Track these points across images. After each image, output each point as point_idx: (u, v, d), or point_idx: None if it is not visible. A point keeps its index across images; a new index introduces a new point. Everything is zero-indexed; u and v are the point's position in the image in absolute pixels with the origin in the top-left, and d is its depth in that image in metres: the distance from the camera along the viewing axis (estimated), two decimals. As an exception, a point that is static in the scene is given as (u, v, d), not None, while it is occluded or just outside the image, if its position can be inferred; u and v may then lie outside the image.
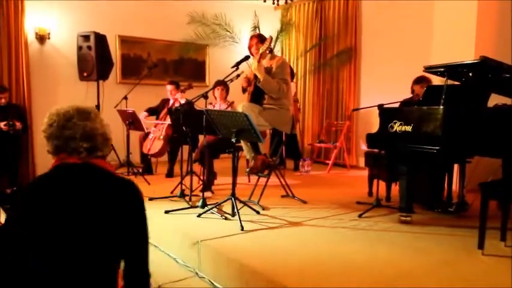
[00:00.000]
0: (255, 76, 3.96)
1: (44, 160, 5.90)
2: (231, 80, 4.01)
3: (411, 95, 4.46)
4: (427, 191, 3.91)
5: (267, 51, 3.94)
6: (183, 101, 5.14)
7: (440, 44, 4.89)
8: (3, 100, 5.25)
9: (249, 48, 4.08)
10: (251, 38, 4.13)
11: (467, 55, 4.37)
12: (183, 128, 4.12)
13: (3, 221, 2.87)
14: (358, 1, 6.56)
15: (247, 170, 3.94)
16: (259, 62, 3.81)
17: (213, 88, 4.97)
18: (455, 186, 3.84)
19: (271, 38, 3.93)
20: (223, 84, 4.87)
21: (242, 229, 3.17)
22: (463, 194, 3.73)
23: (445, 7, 4.87)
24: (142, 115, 5.54)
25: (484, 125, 3.03)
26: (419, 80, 4.32)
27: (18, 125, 5.24)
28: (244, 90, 4.13)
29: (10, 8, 5.51)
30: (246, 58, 3.88)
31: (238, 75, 3.99)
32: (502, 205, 3.03)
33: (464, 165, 3.74)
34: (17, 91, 5.63)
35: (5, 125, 5.13)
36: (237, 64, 3.83)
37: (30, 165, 5.81)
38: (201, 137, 4.67)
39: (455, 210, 3.71)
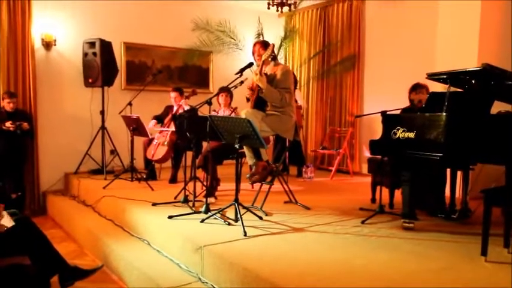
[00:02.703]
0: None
1: (48, 165, 5.96)
2: (235, 87, 4.04)
3: (409, 105, 4.44)
4: (430, 198, 3.91)
5: (269, 59, 3.95)
6: (187, 108, 5.17)
7: (444, 50, 4.91)
8: (11, 105, 5.29)
9: (252, 54, 4.11)
10: (254, 44, 4.15)
11: (470, 61, 4.40)
12: (187, 134, 4.14)
13: (9, 225, 2.89)
14: (361, 7, 6.60)
15: (248, 176, 3.95)
16: (261, 70, 3.82)
17: (217, 94, 5.02)
18: (458, 193, 3.84)
19: (273, 46, 3.95)
20: (227, 90, 4.91)
21: (245, 234, 3.18)
22: (466, 200, 3.73)
23: (449, 14, 4.90)
24: (151, 123, 5.57)
25: (487, 132, 3.04)
26: (414, 88, 4.28)
27: (25, 125, 5.26)
28: (248, 99, 4.16)
29: (17, 15, 5.57)
30: (250, 65, 3.90)
31: (242, 82, 4.01)
32: (505, 212, 3.03)
33: (468, 172, 3.74)
34: (23, 97, 5.68)
35: (11, 124, 5.16)
36: (241, 71, 3.86)
37: (35, 170, 5.84)
38: (204, 143, 4.70)
39: (458, 217, 3.71)
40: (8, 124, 5.16)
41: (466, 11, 4.73)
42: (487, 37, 4.69)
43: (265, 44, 4.04)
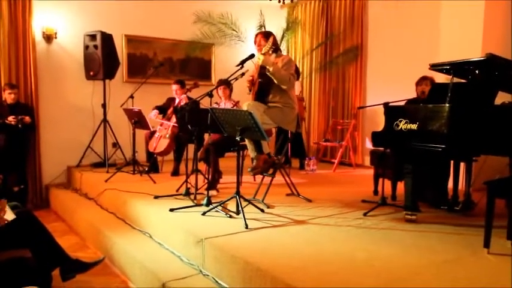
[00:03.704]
0: (259, 74, 3.96)
1: (50, 159, 5.97)
2: (236, 79, 4.00)
3: (416, 96, 4.45)
4: (432, 190, 3.88)
5: (270, 51, 3.91)
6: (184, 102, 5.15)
7: (448, 42, 4.86)
8: (12, 96, 5.29)
9: (254, 43, 4.09)
10: (256, 34, 4.13)
11: (474, 53, 4.34)
12: (189, 126, 4.12)
13: (10, 218, 2.89)
14: (364, -1, 6.55)
15: (249, 169, 3.93)
16: (265, 53, 3.80)
17: (216, 88, 4.98)
18: (461, 184, 3.81)
19: (274, 38, 3.92)
20: (225, 83, 4.87)
21: (246, 227, 3.17)
22: (469, 192, 3.70)
23: (452, 5, 4.84)
24: (153, 113, 5.55)
25: (491, 123, 3.00)
26: (420, 80, 4.37)
27: (27, 118, 5.26)
28: (250, 91, 4.14)
29: (18, 8, 5.54)
30: (251, 56, 3.87)
31: (243, 74, 3.98)
32: (508, 203, 3.00)
33: (471, 164, 3.71)
34: (24, 90, 5.67)
35: (13, 118, 5.15)
36: (242, 62, 3.82)
37: (37, 163, 5.85)
38: (206, 136, 4.68)
39: (462, 209, 3.68)
40: (10, 118, 5.16)
41: (470, 2, 4.66)
42: (491, 27, 4.63)
43: (267, 35, 4.01)
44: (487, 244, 2.74)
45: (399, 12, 6.07)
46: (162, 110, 5.69)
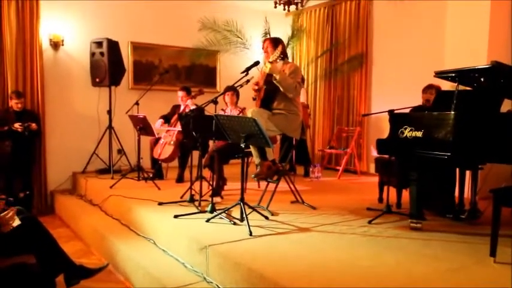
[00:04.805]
0: (265, 82, 3.96)
1: (55, 165, 5.99)
2: (241, 86, 4.01)
3: (421, 104, 4.45)
4: (438, 198, 3.86)
5: (278, 60, 3.92)
6: (193, 107, 5.16)
7: (453, 49, 4.85)
8: (19, 105, 5.33)
9: (262, 49, 4.11)
10: (264, 40, 4.15)
11: (479, 60, 4.33)
12: (193, 133, 4.13)
13: (15, 224, 2.90)
14: (369, 6, 6.55)
15: (253, 175, 3.93)
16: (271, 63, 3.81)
17: (223, 94, 4.99)
18: (467, 193, 3.79)
19: (282, 46, 3.92)
20: (232, 90, 4.88)
21: (250, 234, 3.16)
22: (475, 201, 3.67)
23: (458, 12, 4.84)
24: (158, 123, 5.57)
25: (496, 131, 2.98)
26: (426, 88, 4.37)
27: (33, 125, 5.30)
28: (255, 98, 4.14)
29: (25, 15, 5.60)
30: (256, 64, 3.88)
31: (248, 81, 3.99)
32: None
33: (477, 172, 3.68)
34: (31, 97, 5.72)
35: (20, 125, 5.19)
36: (247, 70, 3.83)
37: (43, 170, 5.88)
38: (211, 143, 4.69)
39: (467, 217, 3.65)
40: (17, 125, 5.19)
41: (475, 10, 4.67)
42: (497, 34, 4.62)
43: (275, 42, 4.01)
44: (493, 253, 2.71)
45: (404, 19, 6.07)
46: (167, 119, 5.71)
